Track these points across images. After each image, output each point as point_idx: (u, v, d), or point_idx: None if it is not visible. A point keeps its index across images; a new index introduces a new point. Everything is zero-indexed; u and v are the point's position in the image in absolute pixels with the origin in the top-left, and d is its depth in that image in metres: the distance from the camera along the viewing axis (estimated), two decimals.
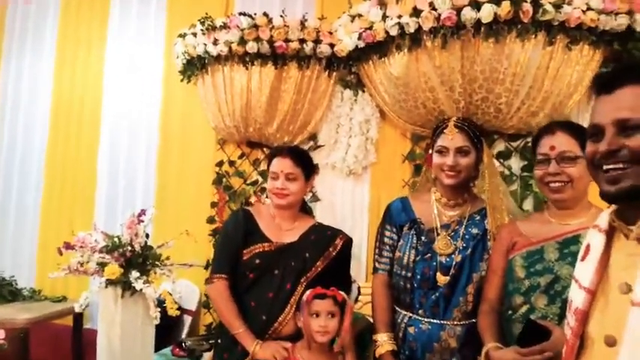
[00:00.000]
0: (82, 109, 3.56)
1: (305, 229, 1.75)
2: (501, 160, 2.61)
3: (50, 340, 3.19)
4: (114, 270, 2.26)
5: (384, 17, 2.40)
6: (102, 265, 2.32)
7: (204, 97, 3.06)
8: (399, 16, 2.35)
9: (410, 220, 1.66)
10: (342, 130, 2.92)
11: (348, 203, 2.97)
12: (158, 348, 2.59)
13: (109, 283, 2.31)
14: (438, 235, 1.60)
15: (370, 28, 2.48)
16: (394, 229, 1.68)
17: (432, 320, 1.56)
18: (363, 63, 2.71)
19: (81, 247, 2.34)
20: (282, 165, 1.70)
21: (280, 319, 1.62)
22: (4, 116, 3.82)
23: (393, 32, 2.39)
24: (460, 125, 1.62)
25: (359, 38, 2.56)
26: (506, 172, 2.58)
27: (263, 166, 3.05)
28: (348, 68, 2.85)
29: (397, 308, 1.65)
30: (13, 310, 2.83)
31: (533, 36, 2.21)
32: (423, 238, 1.61)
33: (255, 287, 1.66)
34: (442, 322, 1.55)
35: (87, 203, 3.43)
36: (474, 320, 1.53)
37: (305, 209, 1.88)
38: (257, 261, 1.65)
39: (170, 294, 2.39)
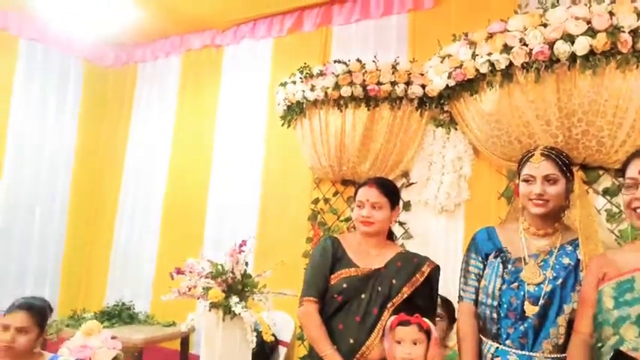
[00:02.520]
0: (196, 152, 4.03)
1: (391, 255, 1.82)
2: (608, 197, 2.48)
3: None
4: (216, 294, 2.49)
5: (474, 56, 2.48)
6: (206, 290, 2.58)
7: (302, 140, 3.32)
8: (489, 54, 2.41)
9: (496, 248, 1.67)
10: (435, 168, 2.98)
11: (442, 240, 2.98)
12: None
13: (212, 306, 2.55)
14: (525, 264, 1.59)
15: (460, 66, 2.57)
16: (479, 258, 1.69)
17: (520, 352, 1.52)
18: (455, 101, 2.78)
19: (189, 272, 2.62)
20: (367, 194, 1.81)
21: (367, 343, 1.68)
22: (131, 157, 4.44)
23: (484, 69, 2.45)
24: (547, 153, 1.63)
25: (449, 77, 2.65)
26: (615, 209, 2.45)
27: None
28: (440, 107, 2.94)
29: (483, 338, 1.63)
30: (129, 331, 3.18)
31: (635, 66, 2.15)
32: (509, 266, 1.60)
33: (342, 311, 1.74)
34: (531, 354, 1.51)
35: (197, 236, 3.81)
36: (565, 355, 1.48)
37: (391, 238, 1.96)
38: (344, 285, 1.75)
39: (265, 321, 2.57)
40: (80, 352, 2.12)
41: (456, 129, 2.92)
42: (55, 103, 4.24)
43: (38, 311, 2.08)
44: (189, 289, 2.66)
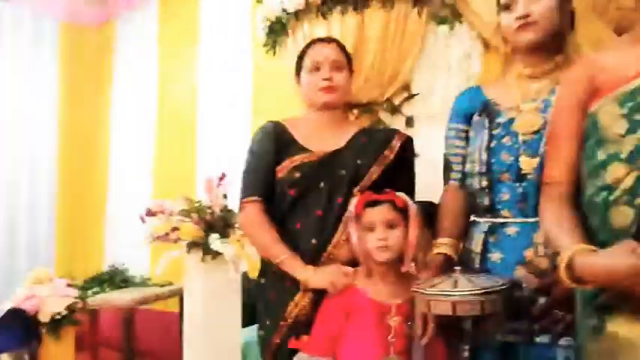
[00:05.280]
0: (183, 96, 3.89)
1: (352, 133, 1.53)
2: None
3: (158, 329, 3.35)
4: (189, 229, 2.31)
5: None
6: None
7: (290, 62, 3.05)
8: None
9: (480, 104, 1.37)
10: (439, 74, 2.67)
11: None
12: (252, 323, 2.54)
13: (191, 247, 2.37)
14: (519, 112, 1.28)
15: None
16: (459, 120, 1.44)
17: (519, 220, 1.25)
18: None
19: (160, 212, 2.45)
20: (326, 52, 1.51)
21: (334, 240, 1.40)
22: (117, 114, 4.36)
23: None
24: None
25: None
26: None
27: None
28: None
29: (475, 219, 1.35)
30: (119, 294, 3.02)
31: None
32: (499, 119, 1.31)
33: (298, 206, 1.45)
34: (534, 220, 1.21)
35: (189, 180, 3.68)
36: None
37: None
38: (297, 175, 1.44)
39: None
40: (25, 302, 1.91)
41: (460, 22, 2.58)
42: (29, 69, 4.11)
43: None
44: (167, 234, 2.48)
